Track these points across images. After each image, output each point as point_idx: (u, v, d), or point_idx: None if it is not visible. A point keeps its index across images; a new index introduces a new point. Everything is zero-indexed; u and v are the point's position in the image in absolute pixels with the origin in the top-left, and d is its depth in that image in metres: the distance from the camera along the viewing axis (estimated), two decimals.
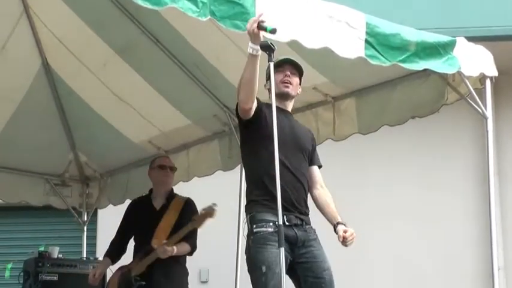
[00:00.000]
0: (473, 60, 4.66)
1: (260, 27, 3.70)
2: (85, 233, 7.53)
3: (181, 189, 6.80)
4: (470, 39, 4.76)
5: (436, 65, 4.44)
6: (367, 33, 4.12)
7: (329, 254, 4.12)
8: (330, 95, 5.55)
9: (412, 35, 4.35)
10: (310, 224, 4.05)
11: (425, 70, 4.61)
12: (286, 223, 3.84)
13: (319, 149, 5.63)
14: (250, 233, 3.94)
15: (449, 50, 4.47)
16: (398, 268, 7.68)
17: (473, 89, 4.81)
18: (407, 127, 5.49)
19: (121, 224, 5.84)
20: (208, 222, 5.26)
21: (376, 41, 4.14)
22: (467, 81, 4.73)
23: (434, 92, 5.05)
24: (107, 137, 6.68)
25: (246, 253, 3.99)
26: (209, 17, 3.66)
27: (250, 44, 3.79)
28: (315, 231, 4.06)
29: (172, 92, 6.01)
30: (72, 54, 5.86)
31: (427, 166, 8.10)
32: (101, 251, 8.05)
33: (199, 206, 5.67)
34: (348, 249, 6.53)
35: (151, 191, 5.77)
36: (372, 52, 4.14)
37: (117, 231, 5.82)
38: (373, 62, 4.18)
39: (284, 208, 3.69)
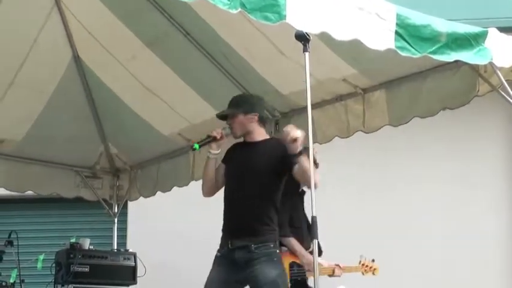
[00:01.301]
0: (506, 51, 4.58)
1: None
2: (116, 225, 7.59)
3: None
4: (502, 30, 4.69)
5: (467, 56, 4.38)
6: (397, 24, 4.08)
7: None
8: (360, 87, 5.52)
9: (443, 26, 4.29)
10: (258, 245, 4.39)
11: (456, 61, 4.56)
12: (230, 247, 4.44)
13: (349, 141, 5.68)
14: None
15: (481, 41, 4.41)
16: (422, 259, 7.60)
17: (505, 80, 4.74)
18: (438, 119, 5.44)
19: None
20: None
21: (406, 32, 4.10)
22: (499, 72, 4.65)
23: (466, 83, 4.99)
24: (137, 129, 6.72)
25: None
26: (239, 9, 3.65)
27: (210, 150, 4.60)
28: (264, 254, 4.39)
29: (202, 84, 6.03)
30: (102, 46, 5.91)
31: (457, 157, 8.04)
32: (131, 243, 8.14)
33: None
34: (373, 235, 6.46)
35: None
36: (402, 43, 4.09)
37: None
38: (403, 53, 4.14)
39: (230, 234, 4.47)
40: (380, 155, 7.88)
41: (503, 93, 4.78)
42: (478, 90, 4.94)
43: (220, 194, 7.71)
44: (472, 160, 7.93)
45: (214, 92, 6.07)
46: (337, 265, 5.31)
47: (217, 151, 4.62)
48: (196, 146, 4.55)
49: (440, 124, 6.30)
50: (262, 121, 4.68)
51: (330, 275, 5.28)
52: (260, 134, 4.66)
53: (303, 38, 3.77)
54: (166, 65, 5.84)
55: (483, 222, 7.60)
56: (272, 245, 4.42)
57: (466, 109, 5.11)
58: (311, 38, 3.80)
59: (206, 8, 4.40)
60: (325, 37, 4.03)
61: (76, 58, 6.22)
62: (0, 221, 8.87)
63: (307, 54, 3.82)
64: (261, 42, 5.19)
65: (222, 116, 4.72)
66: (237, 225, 4.46)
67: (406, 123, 5.42)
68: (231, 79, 5.86)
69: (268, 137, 4.74)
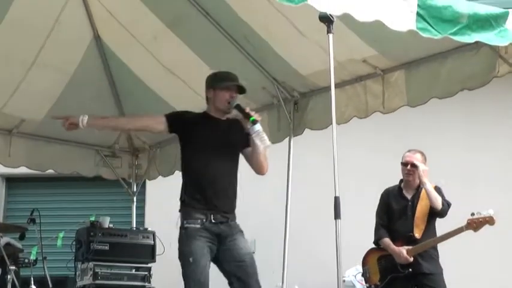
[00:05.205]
0: None
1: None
2: (134, 204, 7.66)
3: None
4: None
5: (488, 37, 4.36)
6: (418, 5, 4.07)
7: None
8: (380, 68, 5.54)
9: (464, 7, 4.28)
10: (234, 221, 4.58)
11: (476, 42, 4.55)
12: (213, 221, 4.44)
13: (367, 121, 5.71)
14: (182, 227, 4.49)
15: (502, 22, 4.38)
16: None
17: None
18: (456, 101, 5.45)
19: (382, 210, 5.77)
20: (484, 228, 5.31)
21: (427, 13, 4.09)
22: None
23: (485, 64, 5.00)
24: (156, 109, 6.69)
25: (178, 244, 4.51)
26: None
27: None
28: (238, 226, 4.59)
29: (222, 65, 5.99)
30: (123, 27, 5.96)
31: (475, 138, 8.06)
32: (149, 222, 8.22)
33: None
34: None
35: (401, 181, 5.74)
36: (423, 25, 4.09)
37: (380, 216, 5.74)
38: (424, 34, 4.14)
39: (209, 208, 4.43)
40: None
41: None
42: (498, 71, 4.95)
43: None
44: (492, 140, 7.94)
45: (234, 72, 6.05)
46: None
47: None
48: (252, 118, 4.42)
49: (459, 105, 6.27)
50: None
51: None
52: None
53: (326, 19, 3.80)
54: (187, 45, 5.87)
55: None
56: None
57: (487, 89, 5.11)
58: (334, 19, 3.82)
59: None
60: (346, 18, 4.04)
61: (97, 38, 6.26)
62: (22, 199, 9.00)
63: (331, 35, 3.85)
64: (282, 23, 5.21)
65: (239, 89, 4.65)
66: (214, 202, 4.46)
67: (424, 104, 5.45)
68: (251, 60, 5.88)
69: None
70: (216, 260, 4.49)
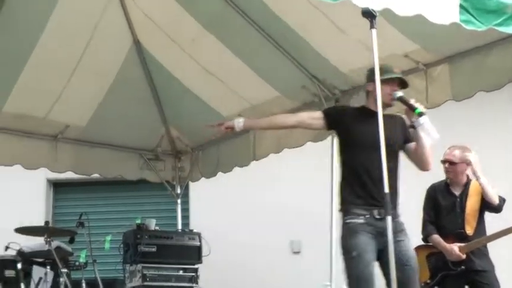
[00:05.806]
0: None
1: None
2: (179, 206, 7.68)
3: (272, 161, 6.87)
4: None
5: None
6: None
7: None
8: (422, 62, 5.46)
9: None
10: (398, 218, 4.27)
11: None
12: (377, 216, 4.17)
13: None
14: (344, 224, 4.29)
15: None
16: None
17: None
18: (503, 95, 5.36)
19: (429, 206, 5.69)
20: None
21: (471, 5, 4.01)
22: None
23: None
24: (197, 111, 6.77)
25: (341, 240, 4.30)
26: None
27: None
28: (402, 224, 4.31)
29: (261, 65, 6.04)
30: (162, 30, 5.98)
31: None
32: (194, 223, 8.24)
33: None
34: None
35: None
36: (466, 17, 4.00)
37: (427, 212, 5.64)
38: (468, 27, 4.05)
39: (375, 204, 4.17)
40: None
41: None
42: None
43: (280, 172, 7.68)
44: None
45: (274, 72, 6.07)
46: None
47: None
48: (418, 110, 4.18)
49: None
50: None
51: None
52: None
53: (369, 14, 3.76)
54: (225, 46, 5.87)
55: None
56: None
57: None
58: (377, 14, 3.77)
59: None
60: (386, 13, 3.99)
61: (136, 43, 6.30)
62: (69, 203, 9.11)
63: (374, 31, 3.80)
64: (320, 20, 5.16)
65: (401, 82, 4.41)
66: (378, 197, 4.10)
67: (470, 97, 5.34)
68: (289, 58, 5.85)
69: None
70: (378, 258, 4.19)
